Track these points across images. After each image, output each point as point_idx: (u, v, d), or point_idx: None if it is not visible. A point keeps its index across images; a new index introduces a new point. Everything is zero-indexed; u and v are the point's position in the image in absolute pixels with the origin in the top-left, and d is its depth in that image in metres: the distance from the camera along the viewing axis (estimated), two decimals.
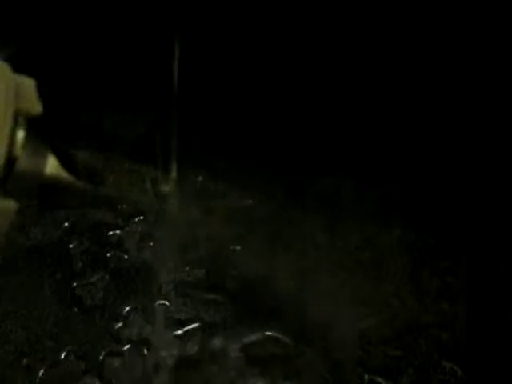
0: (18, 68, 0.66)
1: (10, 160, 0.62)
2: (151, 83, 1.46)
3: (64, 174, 0.74)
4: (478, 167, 1.53)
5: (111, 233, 1.40)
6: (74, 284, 1.31)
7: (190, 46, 1.40)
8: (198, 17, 1.45)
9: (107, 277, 1.32)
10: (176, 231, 1.42)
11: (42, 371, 1.16)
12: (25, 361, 1.18)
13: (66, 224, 1.41)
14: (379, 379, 1.18)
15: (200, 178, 1.53)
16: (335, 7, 1.40)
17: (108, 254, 1.36)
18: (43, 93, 0.68)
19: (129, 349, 1.20)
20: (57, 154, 0.72)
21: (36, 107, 0.65)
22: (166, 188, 1.35)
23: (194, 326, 1.25)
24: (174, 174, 1.34)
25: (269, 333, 1.24)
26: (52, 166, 0.71)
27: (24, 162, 0.64)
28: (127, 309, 1.27)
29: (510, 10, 1.18)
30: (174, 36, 1.25)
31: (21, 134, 0.63)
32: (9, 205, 0.64)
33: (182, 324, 1.25)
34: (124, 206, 1.43)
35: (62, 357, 1.19)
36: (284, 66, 1.58)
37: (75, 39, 1.54)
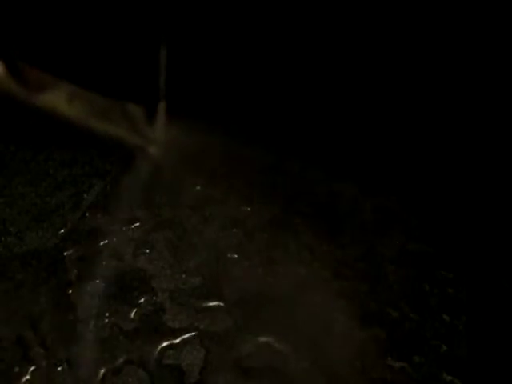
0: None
1: None
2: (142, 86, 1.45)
3: (8, 80, 0.71)
4: (479, 179, 1.52)
5: (107, 240, 1.39)
6: (69, 291, 1.30)
7: (191, 49, 1.40)
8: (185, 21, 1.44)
9: (102, 284, 1.31)
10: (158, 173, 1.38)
11: (33, 380, 1.15)
12: (16, 369, 1.16)
13: (62, 230, 1.40)
14: None
15: (198, 186, 1.52)
16: (335, 8, 1.40)
17: (104, 262, 1.35)
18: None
19: (124, 360, 1.18)
20: (6, 61, 0.69)
21: None
22: (151, 130, 1.30)
23: (189, 334, 1.23)
24: (161, 116, 1.28)
25: (265, 341, 1.22)
26: None
27: None
28: (123, 317, 1.25)
29: (510, 11, 1.17)
30: (161, 39, 1.24)
31: None
32: None
33: (177, 333, 1.23)
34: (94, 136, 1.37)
35: (55, 366, 1.17)
36: (286, 71, 1.58)
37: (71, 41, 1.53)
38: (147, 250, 1.38)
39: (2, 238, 1.38)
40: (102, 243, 1.38)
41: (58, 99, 1.32)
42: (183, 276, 1.33)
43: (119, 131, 1.42)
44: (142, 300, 1.28)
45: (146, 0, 1.29)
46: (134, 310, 1.27)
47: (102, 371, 1.17)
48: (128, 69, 1.38)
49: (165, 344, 1.21)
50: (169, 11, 1.28)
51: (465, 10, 1.29)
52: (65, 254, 1.36)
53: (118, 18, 1.31)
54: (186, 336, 1.23)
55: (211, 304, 1.29)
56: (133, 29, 1.33)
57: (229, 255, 1.38)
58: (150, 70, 1.32)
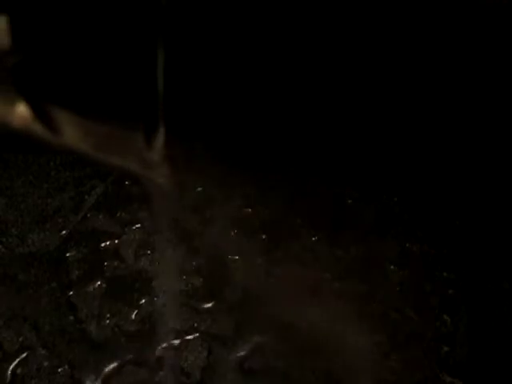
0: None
1: None
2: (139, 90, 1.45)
3: (32, 123, 0.72)
4: (480, 180, 1.52)
5: (108, 241, 1.39)
6: (71, 292, 1.30)
7: (194, 55, 1.41)
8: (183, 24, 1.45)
9: (104, 286, 1.31)
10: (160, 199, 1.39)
11: (34, 381, 1.15)
12: (19, 370, 1.16)
13: (64, 232, 1.41)
14: None
15: (199, 187, 1.52)
16: (335, 8, 1.40)
17: (105, 263, 1.35)
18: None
19: (125, 361, 1.18)
20: (30, 104, 0.70)
21: (3, 41, 0.64)
22: (151, 155, 1.31)
23: (190, 336, 1.23)
24: (160, 141, 1.29)
25: (266, 342, 1.22)
26: (21, 113, 0.70)
27: None
28: (124, 318, 1.26)
29: (509, 13, 1.18)
30: (158, 43, 1.25)
31: None
32: None
33: (178, 334, 1.23)
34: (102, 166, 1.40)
35: (56, 367, 1.17)
36: (286, 72, 1.58)
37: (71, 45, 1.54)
38: (148, 252, 1.38)
39: (4, 239, 1.38)
40: (103, 244, 1.39)
41: (75, 136, 1.33)
42: (184, 277, 1.34)
43: (126, 162, 1.43)
44: (143, 301, 1.29)
45: (143, 22, 1.30)
46: (135, 311, 1.27)
47: (103, 372, 1.17)
48: (127, 93, 1.39)
49: (166, 345, 1.21)
50: (167, 31, 1.28)
51: (465, 10, 1.29)
52: (66, 255, 1.36)
53: (118, 47, 1.32)
54: (187, 337, 1.23)
55: (212, 305, 1.29)
56: (132, 53, 1.34)
57: (229, 256, 1.38)
58: (148, 92, 1.33)
